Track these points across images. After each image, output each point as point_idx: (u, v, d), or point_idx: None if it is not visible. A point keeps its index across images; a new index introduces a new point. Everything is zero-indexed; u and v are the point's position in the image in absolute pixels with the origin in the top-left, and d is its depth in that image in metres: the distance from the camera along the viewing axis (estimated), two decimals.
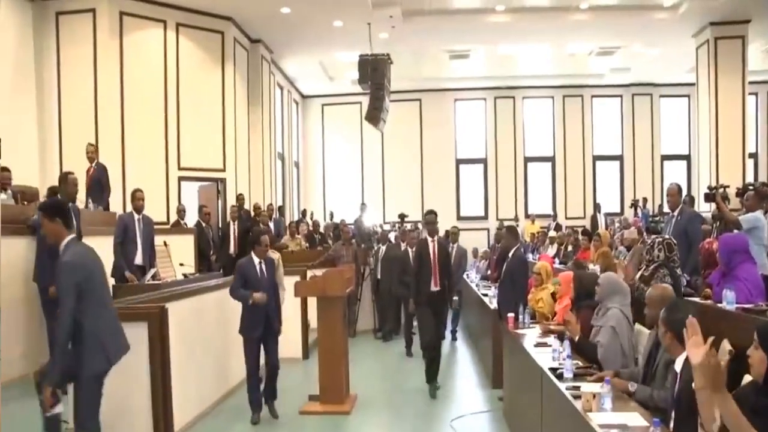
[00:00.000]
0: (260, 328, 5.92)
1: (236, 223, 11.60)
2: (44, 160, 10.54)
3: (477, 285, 10.71)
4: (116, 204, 10.70)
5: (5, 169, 7.86)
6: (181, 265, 7.79)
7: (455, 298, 8.20)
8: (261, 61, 14.80)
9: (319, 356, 6.51)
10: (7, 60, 10.79)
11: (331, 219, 16.99)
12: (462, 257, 10.70)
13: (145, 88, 11.92)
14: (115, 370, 4.52)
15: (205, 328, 6.30)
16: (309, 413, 6.25)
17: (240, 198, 12.62)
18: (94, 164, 9.03)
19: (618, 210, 19.02)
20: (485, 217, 19.24)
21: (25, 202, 7.99)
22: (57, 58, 11.55)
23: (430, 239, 7.12)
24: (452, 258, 8.33)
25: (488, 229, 18.55)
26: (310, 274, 8.41)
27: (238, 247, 11.23)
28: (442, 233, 9.38)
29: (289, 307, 8.40)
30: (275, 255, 6.33)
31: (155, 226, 7.88)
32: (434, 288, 7.06)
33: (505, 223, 11.21)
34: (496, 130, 19.66)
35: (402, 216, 14.34)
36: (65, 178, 7.31)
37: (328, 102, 20.01)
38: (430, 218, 7.27)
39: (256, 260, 6.03)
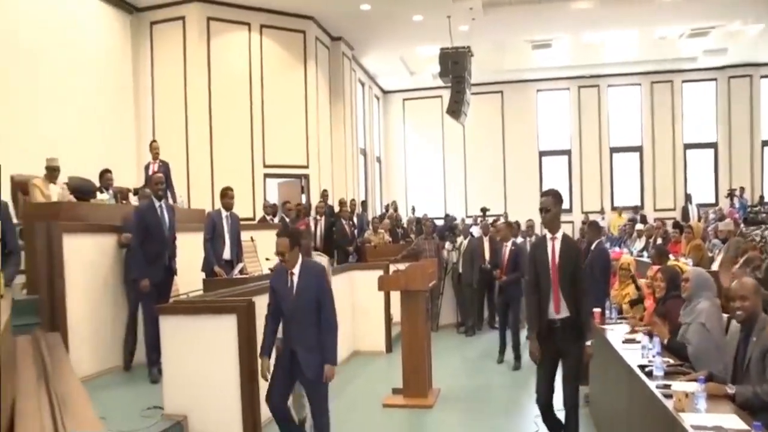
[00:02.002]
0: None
1: (322, 218, 11.81)
2: (140, 160, 11.07)
3: None
4: (204, 201, 11.15)
5: (107, 171, 8.31)
6: (267, 260, 7.99)
7: (588, 343, 4.53)
8: (342, 58, 14.99)
9: (403, 350, 6.55)
10: (109, 68, 11.49)
11: (413, 213, 17.04)
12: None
13: (231, 89, 12.34)
14: (206, 360, 4.73)
15: None
16: (392, 406, 6.31)
17: (324, 194, 12.85)
18: (158, 161, 9.33)
19: (712, 200, 18.18)
20: (569, 210, 18.82)
21: (123, 201, 8.42)
22: (151, 64, 12.24)
23: (549, 236, 4.57)
24: (582, 263, 4.85)
25: (572, 222, 18.14)
26: (393, 268, 8.46)
27: (323, 242, 11.43)
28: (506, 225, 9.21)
29: (372, 300, 8.52)
30: (324, 259, 5.41)
31: (242, 222, 8.13)
32: (555, 315, 4.49)
33: (590, 216, 10.96)
34: (580, 121, 19.19)
35: (484, 210, 14.24)
36: (151, 178, 7.59)
37: (409, 97, 20.06)
38: (546, 202, 4.55)
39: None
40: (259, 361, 4.43)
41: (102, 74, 11.22)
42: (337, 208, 12.55)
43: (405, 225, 14.60)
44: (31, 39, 9.42)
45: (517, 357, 7.85)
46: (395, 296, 7.83)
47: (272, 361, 4.43)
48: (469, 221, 15.61)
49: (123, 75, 11.89)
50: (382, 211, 16.47)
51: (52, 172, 7.26)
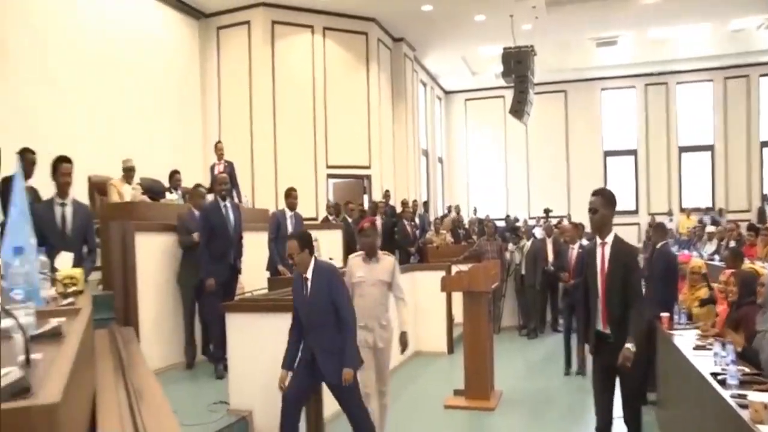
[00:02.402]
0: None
1: (383, 218, 11.86)
2: (207, 161, 11.39)
3: None
4: (268, 201, 11.37)
5: (176, 172, 8.57)
6: (330, 259, 8.10)
7: (628, 345, 3.89)
8: (404, 59, 15.04)
9: (465, 351, 6.53)
10: (178, 73, 11.94)
11: (475, 214, 16.93)
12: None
13: (294, 91, 12.55)
14: (270, 357, 4.82)
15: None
16: (454, 407, 6.29)
17: (386, 194, 12.92)
18: (223, 161, 9.51)
19: None
20: (635, 212, 18.37)
21: (190, 204, 8.64)
22: (217, 68, 12.58)
23: (599, 241, 4.11)
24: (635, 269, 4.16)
25: (639, 224, 17.69)
26: (455, 269, 8.44)
27: (384, 242, 11.47)
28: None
29: (434, 301, 8.51)
30: (389, 258, 4.96)
31: (305, 222, 8.25)
32: (603, 329, 4.11)
33: (657, 218, 10.65)
34: (647, 119, 18.70)
35: (547, 211, 14.02)
36: (216, 178, 7.77)
37: (471, 97, 19.97)
38: (595, 203, 4.12)
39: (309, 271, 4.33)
40: (280, 372, 4.33)
41: (172, 78, 11.64)
42: (399, 209, 12.58)
43: (467, 226, 14.53)
44: (107, 47, 9.87)
45: (582, 362, 7.62)
46: (457, 297, 7.79)
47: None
48: (531, 222, 15.41)
49: (191, 79, 12.29)
50: (443, 212, 16.43)
51: (128, 173, 7.55)
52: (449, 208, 16.56)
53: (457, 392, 6.54)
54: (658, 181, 18.51)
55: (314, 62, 12.83)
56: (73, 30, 9.24)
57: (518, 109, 13.36)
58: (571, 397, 6.76)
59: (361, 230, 5.00)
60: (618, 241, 4.15)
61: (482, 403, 6.28)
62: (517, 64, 13.01)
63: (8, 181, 5.99)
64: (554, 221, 12.84)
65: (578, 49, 16.38)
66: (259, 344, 5.04)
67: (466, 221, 15.25)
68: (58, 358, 1.28)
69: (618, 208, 4.34)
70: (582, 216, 9.30)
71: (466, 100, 20.13)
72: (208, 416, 4.84)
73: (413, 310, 8.57)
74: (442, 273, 7.96)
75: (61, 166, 5.15)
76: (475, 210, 17.52)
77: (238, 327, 5.19)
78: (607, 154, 19.10)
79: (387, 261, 4.93)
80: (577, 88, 18.97)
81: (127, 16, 10.49)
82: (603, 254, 4.11)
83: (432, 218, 14.33)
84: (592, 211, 4.12)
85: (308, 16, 12.68)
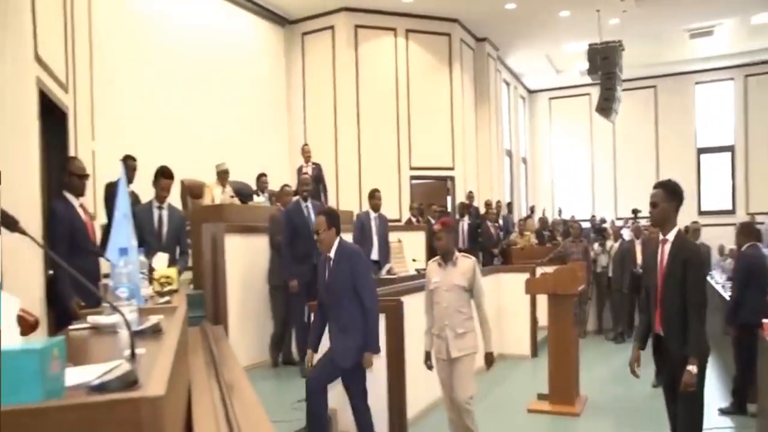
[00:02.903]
0: None
1: (465, 219, 11.83)
2: (293, 164, 11.68)
3: (723, 286, 9.79)
4: (352, 202, 11.53)
5: (263, 174, 8.84)
6: (414, 260, 8.17)
7: (690, 367, 3.54)
8: (487, 58, 14.92)
9: (549, 355, 6.43)
10: (265, 78, 12.33)
11: (560, 215, 16.60)
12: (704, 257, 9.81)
13: (378, 94, 12.68)
14: None
15: None
16: (537, 412, 6.21)
17: (470, 195, 12.86)
18: (310, 163, 9.65)
19: None
20: (732, 211, 17.46)
21: (278, 204, 8.89)
22: (302, 73, 12.89)
23: (661, 237, 3.82)
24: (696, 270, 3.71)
25: (736, 224, 16.82)
26: (539, 271, 8.32)
27: (468, 243, 11.44)
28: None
29: (518, 303, 8.41)
30: (470, 260, 4.64)
31: (389, 224, 8.33)
32: (659, 330, 3.83)
33: (757, 218, 10.11)
34: (746, 113, 17.67)
35: (635, 211, 13.55)
36: (299, 179, 7.93)
37: (556, 95, 19.58)
38: (655, 195, 3.85)
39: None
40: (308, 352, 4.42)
41: (259, 84, 12.02)
42: (482, 210, 12.50)
43: (551, 227, 14.26)
44: (200, 56, 10.31)
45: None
46: (541, 300, 7.68)
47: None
48: (619, 223, 14.95)
49: (277, 84, 12.65)
50: (527, 213, 16.19)
51: (222, 176, 7.84)
52: (532, 209, 16.30)
53: (540, 396, 6.45)
54: (759, 178, 17.48)
55: (397, 65, 12.92)
56: (168, 40, 9.69)
57: (605, 107, 13.00)
58: (659, 405, 6.51)
59: (434, 233, 4.88)
60: (680, 238, 3.80)
61: (567, 408, 6.17)
62: (603, 61, 12.66)
63: (112, 186, 6.37)
64: (643, 222, 12.42)
65: (670, 42, 15.65)
66: None
67: (550, 222, 14.97)
68: (160, 353, 1.37)
69: (712, 207, 4.09)
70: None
71: (551, 98, 19.75)
72: (291, 414, 4.96)
73: (496, 312, 8.51)
74: (526, 275, 7.87)
75: (161, 181, 5.46)
76: (560, 211, 17.16)
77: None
78: (701, 151, 18.24)
79: (465, 264, 4.56)
80: (668, 83, 18.19)
81: (218, 26, 10.94)
82: (663, 252, 3.78)
83: (516, 219, 14.16)
84: (653, 204, 3.84)
85: (391, 19, 12.78)
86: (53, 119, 5.42)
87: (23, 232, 1.66)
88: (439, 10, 12.91)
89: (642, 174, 18.14)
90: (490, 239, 11.54)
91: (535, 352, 8.73)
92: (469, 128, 14.05)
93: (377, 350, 4.29)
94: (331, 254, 4.29)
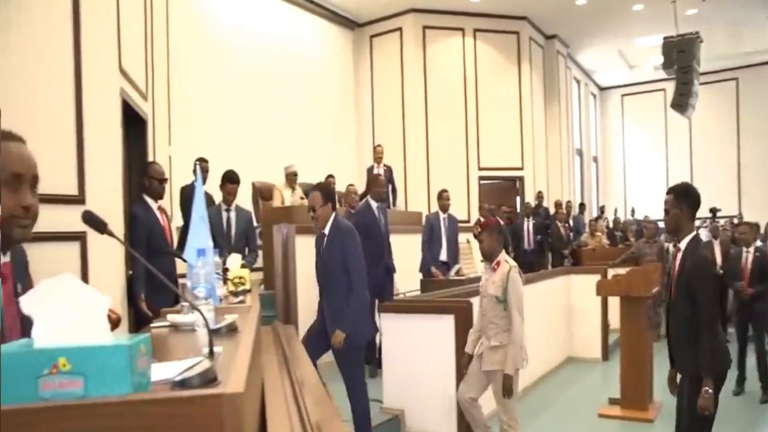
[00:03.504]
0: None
1: (530, 219, 11.70)
2: (361, 166, 11.79)
3: None
4: (421, 203, 11.56)
5: (330, 176, 8.96)
6: (483, 261, 8.11)
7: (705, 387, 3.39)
8: (557, 56, 14.69)
9: (621, 359, 6.28)
10: (334, 81, 12.52)
11: (632, 215, 16.16)
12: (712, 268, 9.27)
13: (446, 94, 12.66)
14: (423, 358, 4.92)
15: None
16: (608, 416, 6.08)
17: (539, 195, 12.70)
18: (382, 164, 9.64)
19: None
20: None
21: (347, 206, 8.99)
22: (371, 75, 13.02)
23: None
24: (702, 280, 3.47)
25: None
26: (611, 272, 8.14)
27: (535, 244, 11.31)
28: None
29: (589, 305, 8.25)
30: (506, 266, 4.31)
31: (458, 224, 8.31)
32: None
33: None
34: None
35: (713, 210, 13.06)
36: (375, 179, 7.97)
37: (628, 92, 19.06)
38: (667, 202, 3.60)
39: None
40: None
41: (328, 87, 12.21)
42: (552, 210, 12.31)
43: (624, 227, 13.91)
44: (270, 60, 10.58)
45: (766, 388, 6.53)
46: (613, 302, 7.51)
47: None
48: (696, 223, 14.43)
49: (346, 87, 12.82)
50: (598, 213, 15.84)
51: (292, 177, 8.02)
52: (602, 209, 15.94)
53: (612, 401, 6.31)
54: None
55: (465, 65, 12.87)
56: (240, 48, 9.97)
57: (681, 103, 12.57)
58: (739, 412, 6.28)
59: (475, 236, 4.78)
60: (691, 247, 3.53)
61: (639, 413, 6.01)
62: (679, 54, 12.23)
63: (186, 189, 6.61)
64: (722, 222, 11.96)
65: (754, 30, 14.76)
66: (412, 345, 5.16)
67: (622, 222, 14.60)
68: (238, 351, 1.43)
69: None
70: (756, 215, 8.58)
71: (623, 95, 19.23)
72: None
73: (565, 314, 8.37)
74: (598, 276, 7.73)
75: (227, 186, 5.67)
76: (633, 210, 16.69)
77: (392, 327, 5.34)
78: None
79: (502, 271, 4.25)
80: (752, 75, 17.29)
81: (289, 31, 11.19)
82: (675, 261, 3.58)
83: (587, 220, 13.88)
84: (665, 212, 3.61)
85: (458, 19, 12.75)
86: (134, 127, 5.69)
87: (111, 234, 1.75)
88: (508, 8, 12.79)
89: (721, 172, 17.46)
90: (560, 240, 11.36)
91: (606, 356, 8.54)
92: (539, 127, 13.86)
93: (347, 331, 4.10)
94: (326, 231, 4.19)
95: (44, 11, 3.79)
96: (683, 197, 3.56)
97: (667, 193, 3.64)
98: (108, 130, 4.26)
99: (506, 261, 4.33)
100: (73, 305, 1.11)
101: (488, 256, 4.40)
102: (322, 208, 4.17)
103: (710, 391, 3.30)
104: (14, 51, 3.67)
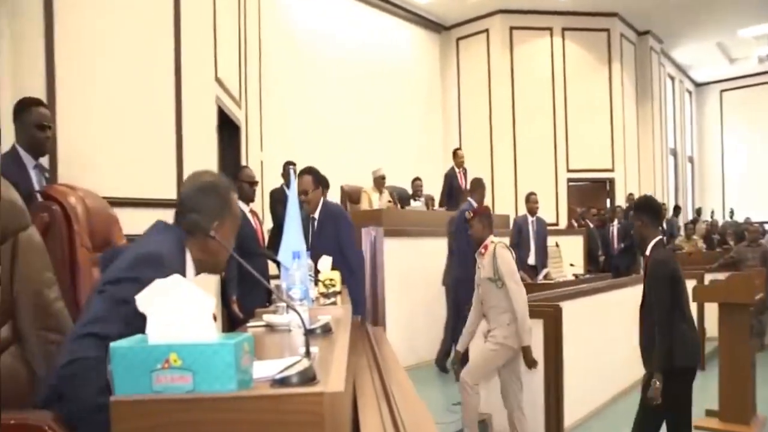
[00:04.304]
0: None
1: (616, 223, 11.34)
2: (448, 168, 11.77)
3: None
4: (508, 206, 11.43)
5: (418, 179, 8.99)
6: (572, 265, 7.96)
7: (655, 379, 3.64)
8: (649, 53, 14.19)
9: (720, 368, 5.99)
10: (421, 84, 12.60)
11: (731, 217, 15.39)
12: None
13: (533, 95, 12.48)
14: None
15: (596, 329, 6.32)
16: (705, 429, 5.81)
17: (630, 197, 12.30)
18: (461, 169, 9.50)
19: None
20: None
21: (433, 208, 9.01)
22: (457, 77, 13.00)
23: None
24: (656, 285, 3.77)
25: None
26: (708, 278, 7.81)
27: (627, 248, 10.95)
28: None
29: None
30: (491, 247, 4.24)
31: (547, 228, 8.18)
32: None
33: None
34: None
35: None
36: (479, 182, 7.86)
37: (728, 87, 18.13)
38: (633, 217, 4.14)
39: None
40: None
41: (415, 91, 12.30)
42: None
43: (721, 230, 13.27)
44: (356, 66, 10.75)
45: None
46: (710, 309, 7.18)
47: None
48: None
49: (433, 90, 12.86)
50: (693, 215, 15.17)
51: (380, 181, 8.10)
52: (698, 211, 15.26)
53: (709, 413, 6.02)
54: None
55: (553, 65, 12.65)
56: (328, 53, 10.19)
57: None
58: None
59: (467, 221, 4.54)
60: (651, 253, 3.79)
61: (740, 427, 5.71)
62: None
63: (275, 193, 6.80)
64: None
65: None
66: None
67: (720, 225, 13.93)
68: (334, 351, 1.48)
69: None
70: None
71: (722, 91, 18.31)
72: (447, 416, 5.01)
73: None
74: (693, 282, 7.41)
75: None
76: (732, 212, 15.87)
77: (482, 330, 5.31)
78: None
79: (489, 251, 4.22)
80: None
81: (376, 36, 11.36)
82: (645, 268, 3.85)
83: (682, 222, 13.34)
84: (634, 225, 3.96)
85: (546, 18, 12.54)
86: (228, 132, 5.91)
87: (212, 237, 1.85)
88: (598, 5, 12.45)
89: None
90: None
91: (703, 365, 8.16)
92: (630, 127, 13.43)
93: (363, 315, 3.98)
94: (316, 215, 4.08)
95: (147, 26, 4.01)
96: (642, 210, 3.86)
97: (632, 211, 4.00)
98: (205, 137, 4.46)
99: (491, 241, 4.31)
100: (182, 305, 1.18)
101: (478, 242, 4.35)
102: (314, 192, 4.11)
103: (658, 384, 3.57)
104: (120, 62, 3.90)
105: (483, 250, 4.29)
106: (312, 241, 3.99)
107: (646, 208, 3.88)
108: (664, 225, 11.62)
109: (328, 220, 4.05)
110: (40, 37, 3.70)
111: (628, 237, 10.97)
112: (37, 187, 3.12)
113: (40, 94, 3.57)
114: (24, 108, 3.19)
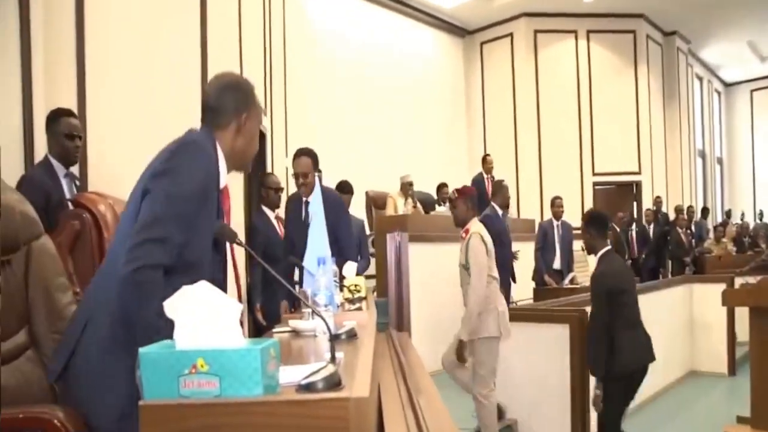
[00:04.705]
0: None
1: (651, 226, 11.23)
2: (473, 173, 11.74)
3: None
4: (533, 210, 11.37)
5: (444, 185, 8.99)
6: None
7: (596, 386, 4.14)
8: (677, 53, 14.04)
9: (751, 374, 5.87)
10: (445, 90, 12.61)
11: (761, 219, 15.14)
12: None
13: (558, 98, 12.42)
14: (536, 367, 4.84)
15: None
16: None
17: (658, 200, 12.17)
18: (490, 175, 9.39)
19: None
20: None
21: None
22: (481, 82, 13.00)
23: None
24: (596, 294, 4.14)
25: None
26: (739, 281, 7.67)
27: (654, 251, 10.85)
28: None
29: (713, 316, 7.82)
30: (469, 232, 4.29)
31: (573, 232, 8.12)
32: None
33: None
34: None
35: None
36: (500, 185, 7.80)
37: (758, 86, 17.80)
38: (582, 228, 4.41)
39: None
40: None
41: (439, 96, 12.32)
42: (672, 216, 11.75)
43: (752, 233, 13.06)
44: (380, 71, 10.80)
45: None
46: (741, 313, 7.07)
47: None
48: None
49: (457, 95, 12.87)
50: (723, 218, 14.94)
51: (407, 187, 8.12)
52: (728, 213, 15.02)
53: (740, 419, 5.91)
54: None
55: (578, 67, 12.57)
56: (352, 59, 10.24)
57: None
58: None
59: (450, 201, 4.59)
60: (597, 265, 4.16)
61: None
62: None
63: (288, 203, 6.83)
64: None
65: None
66: (525, 354, 5.09)
67: (751, 228, 13.71)
68: (359, 357, 1.49)
69: None
70: None
71: (752, 90, 17.99)
72: (472, 422, 5.00)
73: (687, 325, 7.97)
74: (723, 285, 7.29)
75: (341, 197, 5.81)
76: (761, 214, 15.59)
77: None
78: None
79: (465, 239, 4.26)
80: None
81: (400, 42, 11.41)
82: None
83: (711, 225, 13.15)
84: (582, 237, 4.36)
85: (571, 21, 12.47)
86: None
87: (240, 244, 1.89)
88: (623, 6, 12.34)
89: None
90: (681, 247, 10.82)
91: (733, 370, 8.03)
92: (657, 129, 13.28)
93: None
94: (311, 198, 3.73)
95: (175, 38, 4.08)
96: (589, 224, 4.18)
97: (582, 222, 4.35)
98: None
99: (472, 228, 4.32)
100: (209, 311, 1.20)
101: (460, 223, 4.38)
102: (312, 175, 3.92)
103: (598, 391, 3.94)
104: (148, 73, 3.98)
105: (464, 234, 4.30)
106: (303, 227, 3.66)
107: (594, 221, 4.18)
108: (692, 228, 11.48)
109: (325, 207, 3.75)
110: (71, 50, 3.78)
111: (652, 241, 10.87)
112: (68, 195, 3.19)
113: (72, 104, 3.65)
114: (54, 119, 3.28)
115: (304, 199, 3.92)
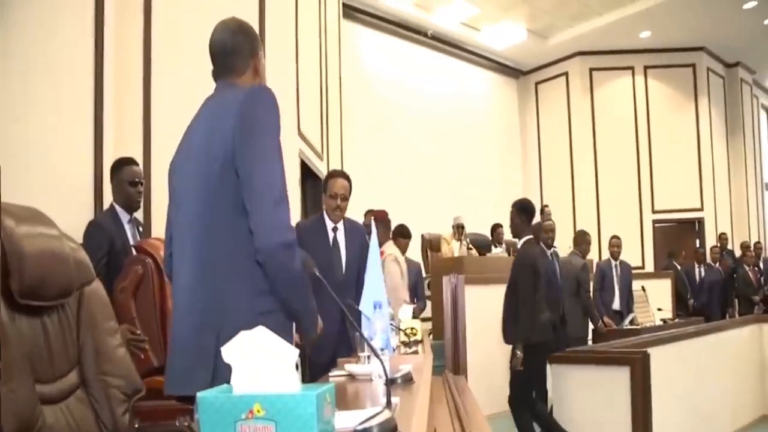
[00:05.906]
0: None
1: (701, 267, 10.83)
2: None
3: None
4: (591, 250, 11.11)
5: (499, 225, 8.92)
6: (659, 310, 7.66)
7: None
8: (740, 84, 13.69)
9: None
10: (500, 131, 12.69)
11: None
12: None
13: (615, 136, 12.27)
14: (595, 411, 4.69)
15: (686, 376, 6.02)
16: None
17: (722, 237, 11.76)
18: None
19: None
20: None
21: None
22: (537, 121, 12.99)
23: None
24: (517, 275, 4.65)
25: None
26: None
27: (721, 291, 10.44)
28: None
29: None
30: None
31: (633, 271, 7.92)
32: None
33: None
34: None
35: None
36: (582, 235, 7.74)
37: None
38: (510, 213, 4.83)
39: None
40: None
41: (494, 137, 12.39)
42: (738, 253, 11.32)
43: None
44: (435, 114, 11.01)
45: None
46: None
47: None
48: None
49: (512, 136, 12.91)
50: None
51: (459, 229, 8.10)
52: None
53: None
54: None
55: (636, 104, 12.41)
56: (407, 103, 10.44)
57: None
58: None
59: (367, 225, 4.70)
60: (521, 246, 4.72)
61: None
62: None
63: None
64: None
65: None
66: (583, 397, 4.95)
67: None
68: (415, 401, 1.49)
69: None
70: None
71: None
72: None
73: (759, 367, 7.60)
74: None
75: (399, 241, 5.95)
76: None
77: (563, 378, 5.16)
78: None
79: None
80: None
81: (455, 85, 11.60)
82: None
83: None
84: (510, 220, 4.80)
85: (628, 57, 12.36)
86: (311, 184, 6.08)
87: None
88: (682, 40, 12.14)
89: None
90: (749, 286, 10.39)
91: None
92: (720, 164, 12.91)
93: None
94: (340, 225, 3.52)
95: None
96: (521, 210, 4.70)
97: (511, 207, 4.79)
98: (289, 190, 4.60)
99: (387, 252, 4.86)
100: (266, 356, 1.22)
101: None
102: (348, 201, 3.59)
103: (519, 353, 4.40)
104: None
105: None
106: (330, 254, 3.46)
107: (525, 208, 4.73)
108: (761, 265, 10.99)
109: (353, 237, 3.50)
110: (139, 102, 3.97)
111: (731, 279, 10.46)
112: (131, 241, 3.30)
113: (137, 153, 3.81)
114: (118, 167, 3.42)
115: (331, 224, 3.51)
